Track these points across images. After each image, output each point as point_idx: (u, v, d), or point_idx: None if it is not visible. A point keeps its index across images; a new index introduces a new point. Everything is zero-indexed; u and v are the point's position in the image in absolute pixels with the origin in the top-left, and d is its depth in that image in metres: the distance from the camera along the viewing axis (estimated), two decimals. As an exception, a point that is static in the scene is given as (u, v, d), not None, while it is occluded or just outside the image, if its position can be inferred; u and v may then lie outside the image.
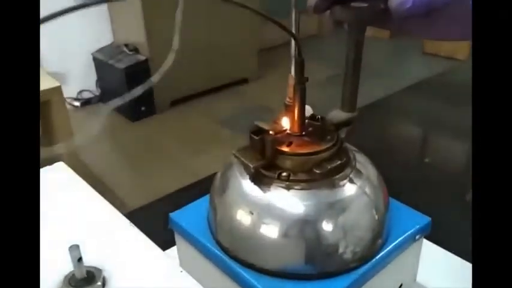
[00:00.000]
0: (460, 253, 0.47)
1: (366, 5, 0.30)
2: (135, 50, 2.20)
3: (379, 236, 0.36)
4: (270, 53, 2.60)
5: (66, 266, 0.33)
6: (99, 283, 0.32)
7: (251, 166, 0.34)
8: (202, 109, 2.23)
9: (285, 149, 0.35)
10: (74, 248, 0.31)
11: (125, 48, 2.20)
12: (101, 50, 2.25)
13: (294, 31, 0.34)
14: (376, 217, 0.36)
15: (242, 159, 0.35)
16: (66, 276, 0.33)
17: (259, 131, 0.35)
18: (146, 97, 2.09)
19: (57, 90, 1.10)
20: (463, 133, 1.06)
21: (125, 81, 2.07)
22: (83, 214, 0.41)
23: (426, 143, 1.13)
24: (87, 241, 0.34)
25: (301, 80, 0.33)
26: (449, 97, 1.24)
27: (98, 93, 2.32)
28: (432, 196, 0.87)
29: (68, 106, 1.96)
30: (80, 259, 0.31)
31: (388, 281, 0.39)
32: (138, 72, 2.09)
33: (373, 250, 0.36)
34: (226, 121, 2.10)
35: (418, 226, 0.39)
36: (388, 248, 0.36)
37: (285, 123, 0.37)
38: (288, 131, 0.37)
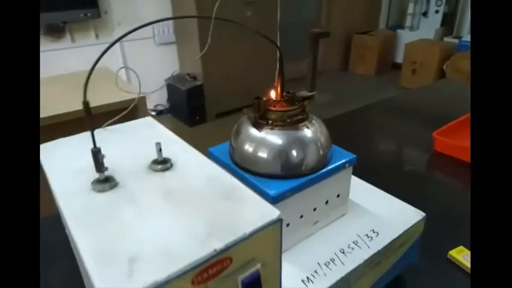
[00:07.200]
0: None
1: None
2: (194, 78, 3.95)
3: (323, 159, 0.66)
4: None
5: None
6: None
7: (252, 116, 0.63)
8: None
9: (271, 108, 0.63)
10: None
11: (187, 76, 4.02)
12: (170, 77, 4.06)
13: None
14: (321, 151, 0.65)
15: (248, 112, 0.64)
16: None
17: (258, 98, 0.63)
18: (200, 109, 3.84)
19: (143, 99, 1.97)
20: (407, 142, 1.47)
21: (186, 99, 3.84)
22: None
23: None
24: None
25: (281, 71, 0.63)
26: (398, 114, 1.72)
27: (167, 107, 4.50)
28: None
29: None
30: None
31: (328, 188, 0.69)
32: (195, 93, 3.81)
33: (319, 167, 0.66)
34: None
35: (347, 159, 0.70)
36: (328, 168, 0.67)
37: (272, 94, 0.65)
38: (273, 98, 0.65)
